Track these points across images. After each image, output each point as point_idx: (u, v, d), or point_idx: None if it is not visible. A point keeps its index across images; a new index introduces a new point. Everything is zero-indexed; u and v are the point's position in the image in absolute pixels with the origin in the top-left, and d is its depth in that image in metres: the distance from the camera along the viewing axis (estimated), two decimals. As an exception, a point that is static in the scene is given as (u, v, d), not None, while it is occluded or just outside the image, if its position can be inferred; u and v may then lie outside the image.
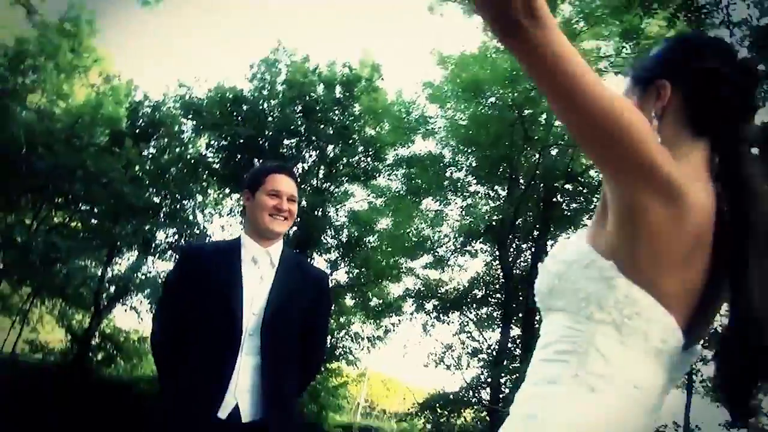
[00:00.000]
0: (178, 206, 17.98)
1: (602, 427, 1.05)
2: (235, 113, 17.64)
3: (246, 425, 2.27)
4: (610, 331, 1.08)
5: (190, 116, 17.61)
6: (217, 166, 18.24)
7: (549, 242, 18.77)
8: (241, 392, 2.31)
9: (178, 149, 17.86)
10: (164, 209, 17.77)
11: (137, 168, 16.65)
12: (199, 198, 18.60)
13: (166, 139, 17.64)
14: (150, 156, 17.52)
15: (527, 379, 1.18)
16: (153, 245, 17.74)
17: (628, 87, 1.28)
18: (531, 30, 0.93)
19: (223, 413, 2.25)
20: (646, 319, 1.07)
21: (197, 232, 18.24)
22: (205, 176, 18.45)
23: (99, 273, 17.22)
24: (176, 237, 18.20)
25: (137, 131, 16.97)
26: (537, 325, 18.06)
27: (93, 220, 17.21)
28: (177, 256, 3.05)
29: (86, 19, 17.01)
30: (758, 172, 1.11)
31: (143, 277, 17.72)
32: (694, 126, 1.17)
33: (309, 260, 18.61)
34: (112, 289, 17.64)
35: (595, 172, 18.01)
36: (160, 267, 18.33)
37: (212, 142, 18.21)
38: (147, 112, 17.52)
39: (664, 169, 1.01)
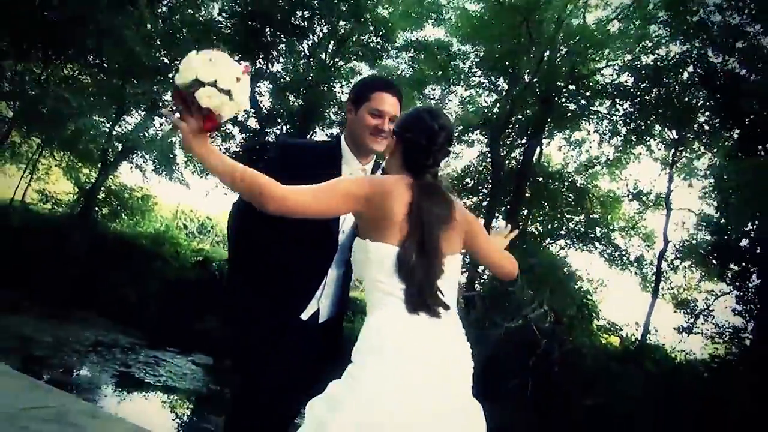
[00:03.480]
0: (187, 69, 17.91)
1: None
2: (249, -21, 17.34)
3: (320, 325, 2.54)
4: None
5: (205, -22, 17.32)
6: (228, 32, 18.13)
7: (545, 140, 19.43)
8: (323, 299, 2.53)
9: (190, 11, 17.57)
10: (174, 71, 17.72)
11: (149, 27, 16.39)
12: (209, 62, 18.52)
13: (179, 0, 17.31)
14: (162, 16, 17.21)
15: None
16: (161, 105, 17.87)
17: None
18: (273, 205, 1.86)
19: (305, 315, 2.47)
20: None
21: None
22: (215, 41, 18.35)
23: (107, 130, 17.36)
24: (183, 99, 18.31)
25: (151, -12, 16.59)
26: (520, 218, 19.06)
27: (101, 75, 17.11)
28: (276, 149, 2.84)
29: None
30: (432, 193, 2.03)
31: (150, 136, 18.01)
32: (403, 160, 2.08)
33: (312, 133, 19.04)
34: (119, 146, 17.86)
35: (601, 75, 18.39)
36: (166, 127, 18.59)
37: (224, 8, 17.97)
38: (162, -31, 17.06)
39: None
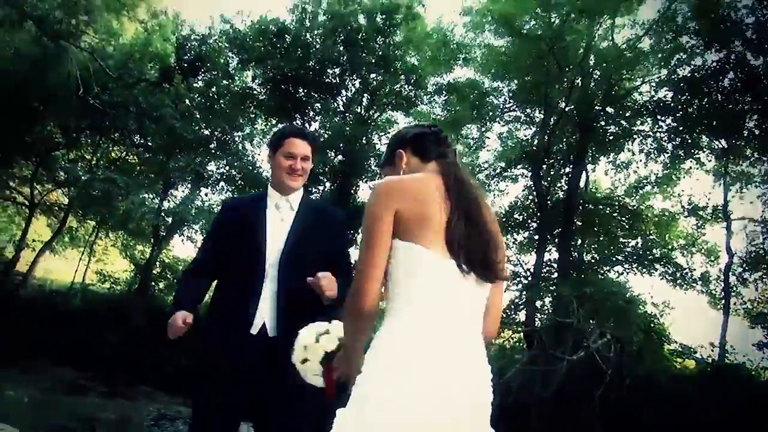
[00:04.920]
0: (227, 138, 18.48)
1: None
2: (278, 46, 17.84)
3: (272, 339, 2.73)
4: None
5: (235, 51, 17.90)
6: (263, 98, 18.62)
7: (591, 166, 19.05)
8: (266, 313, 2.76)
9: (225, 82, 18.16)
10: (214, 142, 18.27)
11: (187, 102, 16.99)
12: (247, 129, 19.09)
13: (213, 73, 17.92)
14: (198, 90, 17.82)
15: None
16: (205, 176, 18.36)
17: (388, 156, 2.26)
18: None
19: (254, 330, 2.75)
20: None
21: (246, 162, 18.80)
22: (252, 108, 18.89)
23: (156, 205, 17.87)
24: (227, 168, 18.81)
25: (185, 66, 17.24)
26: (573, 249, 18.56)
27: (147, 154, 17.76)
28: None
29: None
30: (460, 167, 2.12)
31: (197, 208, 18.43)
32: (421, 158, 2.15)
33: (355, 188, 19.18)
34: (170, 220, 18.31)
35: (639, 94, 18.05)
36: (213, 198, 19.03)
37: (257, 75, 18.50)
38: (194, 47, 17.72)
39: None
